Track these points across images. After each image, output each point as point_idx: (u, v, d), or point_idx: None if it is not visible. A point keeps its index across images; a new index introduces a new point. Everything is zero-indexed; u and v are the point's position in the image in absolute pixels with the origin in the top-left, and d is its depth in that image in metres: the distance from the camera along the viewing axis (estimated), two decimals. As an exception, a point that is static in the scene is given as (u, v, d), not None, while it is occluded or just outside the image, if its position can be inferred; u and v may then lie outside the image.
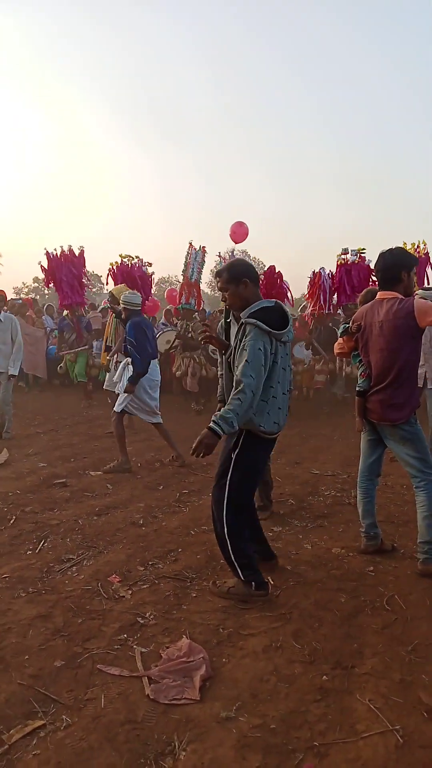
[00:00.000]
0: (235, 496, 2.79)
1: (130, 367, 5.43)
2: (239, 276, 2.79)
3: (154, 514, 4.10)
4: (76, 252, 9.18)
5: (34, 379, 10.82)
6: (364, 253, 8.57)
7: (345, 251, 8.64)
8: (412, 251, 8.11)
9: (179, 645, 2.37)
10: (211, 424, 2.60)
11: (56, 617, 2.62)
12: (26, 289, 39.32)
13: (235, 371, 2.76)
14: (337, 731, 1.92)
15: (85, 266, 9.39)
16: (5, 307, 6.75)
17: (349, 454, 5.83)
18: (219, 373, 3.37)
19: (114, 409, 5.45)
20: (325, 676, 2.22)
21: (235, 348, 2.80)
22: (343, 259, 8.62)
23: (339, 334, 3.46)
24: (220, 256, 9.22)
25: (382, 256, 3.18)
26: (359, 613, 2.71)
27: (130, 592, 2.89)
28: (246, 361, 2.63)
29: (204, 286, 10.92)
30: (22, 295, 23.41)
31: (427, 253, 8.41)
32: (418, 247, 8.34)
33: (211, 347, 9.30)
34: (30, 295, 26.12)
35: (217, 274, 2.89)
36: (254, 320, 2.68)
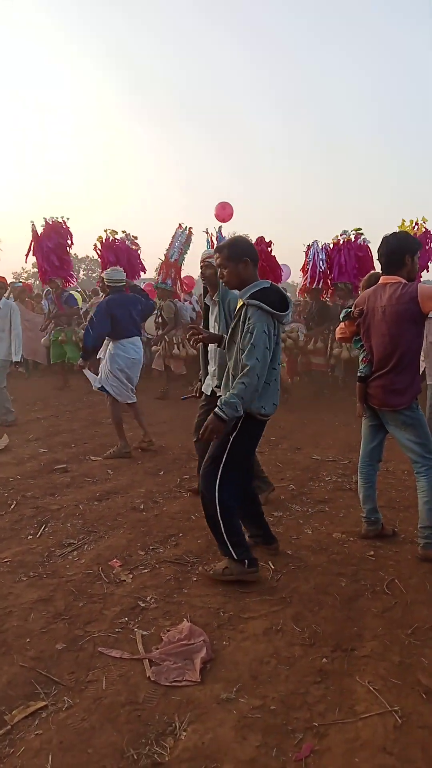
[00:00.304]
0: (229, 477, 2.79)
1: (110, 348, 5.34)
2: (240, 254, 2.75)
3: (154, 499, 4.11)
4: (63, 224, 9.19)
5: (33, 364, 10.81)
6: (361, 232, 8.55)
7: (344, 233, 8.64)
8: (410, 230, 8.05)
9: (180, 628, 2.38)
10: (217, 410, 2.60)
11: (57, 601, 2.64)
12: (25, 274, 39.12)
13: (230, 353, 2.76)
14: (337, 712, 1.93)
15: (70, 238, 9.36)
16: (5, 294, 6.72)
17: (350, 439, 5.83)
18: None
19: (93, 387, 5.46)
20: (324, 659, 2.23)
21: (233, 329, 2.77)
22: (342, 239, 8.62)
23: (341, 319, 3.43)
24: (207, 232, 9.10)
25: (386, 240, 3.14)
26: (359, 597, 2.72)
27: (130, 576, 2.90)
28: (252, 344, 2.61)
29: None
30: (21, 280, 23.27)
31: (427, 230, 8.32)
32: (416, 224, 8.24)
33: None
34: (29, 280, 26.02)
35: (217, 250, 2.84)
36: (257, 302, 2.66)
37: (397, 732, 1.84)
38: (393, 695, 2.02)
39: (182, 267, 9.33)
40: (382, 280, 3.16)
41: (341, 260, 8.47)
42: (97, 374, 5.37)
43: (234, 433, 2.76)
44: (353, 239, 8.52)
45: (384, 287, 3.11)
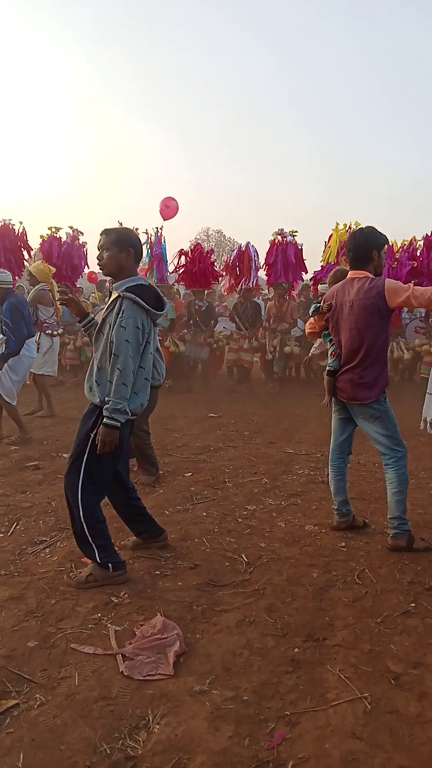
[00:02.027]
0: (91, 477, 2.73)
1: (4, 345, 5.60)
2: (126, 243, 2.72)
3: (128, 495, 4.09)
4: (18, 228, 9.45)
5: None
6: (296, 235, 9.03)
7: (281, 231, 8.91)
8: (343, 235, 8.46)
9: (153, 622, 2.38)
10: (107, 420, 2.59)
11: (29, 598, 2.61)
12: None
13: (97, 344, 2.75)
14: (308, 701, 1.96)
15: (25, 242, 9.60)
16: None
17: (322, 433, 5.90)
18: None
19: None
20: (296, 649, 2.26)
21: (103, 320, 2.73)
22: (279, 239, 8.90)
23: (310, 314, 3.47)
24: (146, 233, 9.39)
25: (353, 235, 3.19)
26: (331, 588, 2.77)
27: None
28: (126, 341, 2.61)
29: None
30: None
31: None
32: (349, 228, 8.56)
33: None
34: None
35: (105, 231, 2.77)
36: (133, 296, 2.64)
37: (367, 717, 1.88)
38: (363, 682, 2.06)
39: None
40: (350, 275, 3.21)
41: (287, 261, 8.84)
42: None
43: (95, 432, 2.70)
44: (288, 240, 8.97)
45: (352, 282, 3.16)
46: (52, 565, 2.95)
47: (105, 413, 2.61)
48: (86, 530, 2.73)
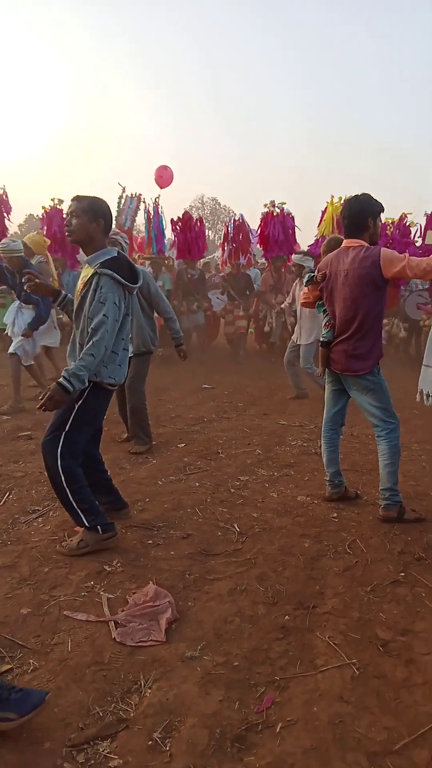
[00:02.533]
0: (70, 444, 2.73)
1: (24, 311, 5.83)
2: (98, 213, 2.66)
3: (121, 465, 4.10)
4: None
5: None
6: (284, 206, 8.90)
7: (272, 202, 8.79)
8: (337, 208, 8.32)
9: (145, 590, 2.41)
10: (62, 381, 2.55)
11: (22, 567, 2.63)
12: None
13: (78, 322, 2.73)
14: (298, 666, 2.00)
15: (6, 205, 9.42)
16: None
17: (316, 404, 5.90)
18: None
19: (9, 350, 5.88)
20: (287, 616, 2.30)
21: (82, 297, 2.69)
22: (274, 211, 8.84)
23: (304, 284, 3.42)
24: (144, 201, 9.22)
25: (348, 202, 3.12)
26: (322, 557, 2.80)
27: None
28: (103, 315, 2.58)
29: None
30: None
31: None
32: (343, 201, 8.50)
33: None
34: None
35: (76, 198, 2.69)
36: (110, 271, 2.60)
37: (354, 682, 1.92)
38: (352, 649, 2.10)
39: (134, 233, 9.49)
40: (344, 243, 3.15)
41: (278, 232, 8.72)
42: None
43: (80, 402, 2.71)
44: (279, 212, 8.85)
45: (347, 251, 3.10)
46: (45, 534, 2.96)
47: (64, 374, 2.58)
48: (70, 496, 2.74)
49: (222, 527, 3.10)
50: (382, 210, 3.17)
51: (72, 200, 2.69)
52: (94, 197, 2.73)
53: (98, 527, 2.76)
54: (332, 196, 8.55)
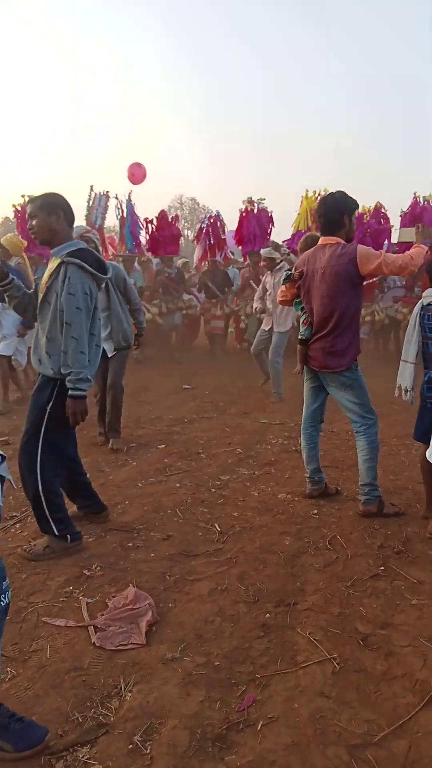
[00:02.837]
0: (50, 451, 2.69)
1: (8, 311, 5.69)
2: (53, 206, 2.61)
3: (100, 468, 4.07)
4: None
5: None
6: (263, 202, 8.92)
7: (249, 199, 8.84)
8: (312, 202, 8.47)
9: (125, 593, 2.39)
10: (72, 392, 2.56)
11: None
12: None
13: (43, 314, 2.67)
14: (278, 663, 2.00)
15: None
16: None
17: (296, 402, 5.87)
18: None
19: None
20: (268, 614, 2.30)
21: (48, 288, 2.63)
22: (249, 207, 8.88)
23: (281, 282, 3.43)
24: (116, 198, 9.16)
25: (323, 200, 3.14)
26: (302, 554, 2.80)
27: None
28: (77, 308, 2.55)
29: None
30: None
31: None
32: (318, 195, 8.55)
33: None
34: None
35: (30, 200, 2.68)
36: (77, 260, 2.56)
37: (335, 677, 1.92)
38: (332, 644, 2.11)
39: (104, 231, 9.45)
40: (321, 241, 3.17)
41: (253, 227, 8.75)
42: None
43: (50, 404, 2.66)
44: (261, 207, 8.90)
45: (323, 248, 3.12)
46: (23, 540, 2.92)
47: (69, 384, 2.56)
48: (44, 504, 2.70)
49: (203, 527, 3.09)
50: (357, 207, 3.19)
51: (27, 204, 2.66)
52: (47, 193, 2.68)
53: (67, 536, 2.74)
54: (306, 191, 8.68)
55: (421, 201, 8.45)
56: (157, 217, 9.13)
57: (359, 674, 1.94)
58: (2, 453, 1.62)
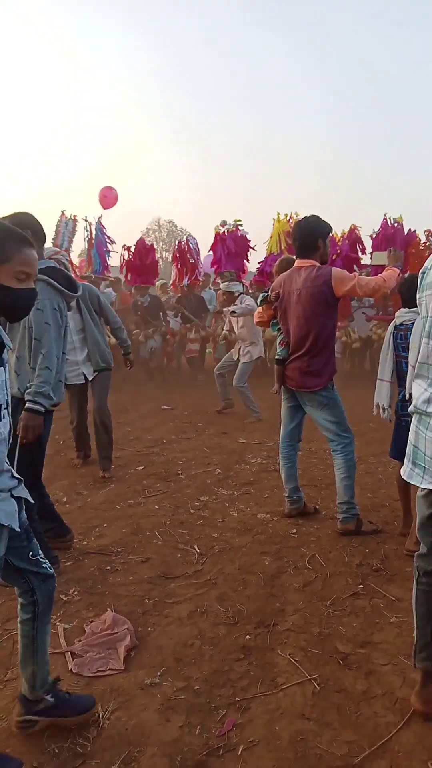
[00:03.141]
0: (25, 476, 2.66)
1: None
2: (21, 225, 2.54)
3: (78, 490, 4.02)
4: None
5: None
6: (240, 224, 9.07)
7: (223, 223, 9.04)
8: (284, 225, 8.71)
9: (103, 618, 2.35)
10: (29, 405, 2.47)
11: (-26, 601, 2.52)
12: None
13: (12, 333, 2.61)
14: (259, 686, 1.98)
15: None
16: None
17: (275, 422, 5.91)
18: None
19: None
20: (248, 636, 2.28)
21: None
22: (221, 230, 9.09)
23: (258, 304, 3.48)
24: (86, 220, 9.33)
25: (298, 224, 3.22)
26: (282, 574, 2.80)
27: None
28: (46, 323, 2.53)
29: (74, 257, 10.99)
30: None
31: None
32: (290, 218, 8.82)
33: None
34: None
35: None
36: (46, 277, 2.55)
37: (315, 698, 1.91)
38: (312, 664, 2.10)
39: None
40: (296, 263, 3.24)
41: (226, 250, 8.90)
42: None
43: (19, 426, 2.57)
44: (233, 230, 9.04)
45: (299, 270, 3.18)
46: (-1, 565, 2.86)
47: (27, 397, 2.49)
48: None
49: (182, 549, 3.07)
50: (331, 231, 3.27)
51: None
52: (16, 213, 2.64)
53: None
54: (278, 214, 8.88)
55: (390, 221, 8.69)
56: (135, 245, 9.21)
57: (340, 694, 1.93)
58: (18, 476, 1.61)
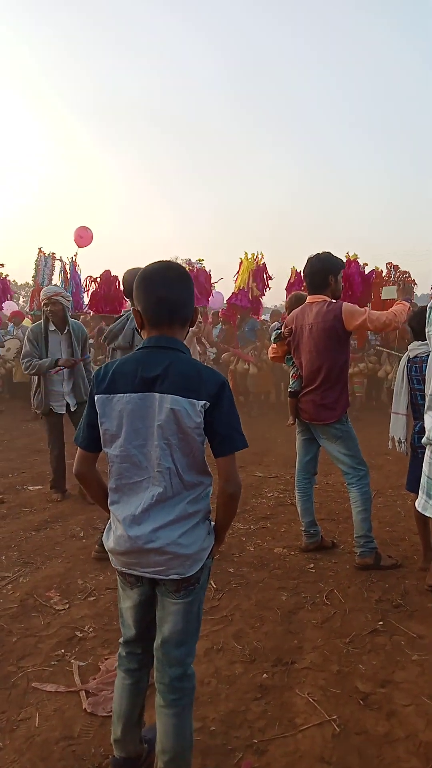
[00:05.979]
0: None
1: None
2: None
3: (95, 525, 4.01)
4: None
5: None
6: (201, 264, 9.71)
7: (188, 261, 9.66)
8: (252, 264, 9.37)
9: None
10: None
11: (-11, 637, 2.52)
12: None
13: None
14: (276, 727, 1.93)
15: None
16: None
17: (292, 455, 5.88)
18: None
19: None
20: (265, 674, 2.23)
21: None
22: (189, 268, 9.63)
23: (272, 340, 3.53)
24: (60, 260, 9.93)
25: (310, 261, 3.27)
26: (300, 610, 2.75)
27: (68, 606, 2.81)
28: None
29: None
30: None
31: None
32: (256, 258, 9.42)
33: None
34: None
35: None
36: None
37: (335, 740, 1.85)
38: (332, 705, 2.04)
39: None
40: (308, 299, 3.29)
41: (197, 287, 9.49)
42: None
43: None
44: (198, 267, 9.68)
45: (311, 306, 3.23)
46: (14, 601, 2.86)
47: None
48: None
49: (198, 584, 3.03)
50: (343, 267, 3.33)
51: None
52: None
53: None
54: (246, 253, 9.44)
55: (349, 256, 8.91)
56: (100, 276, 9.69)
57: (360, 737, 1.87)
58: None
